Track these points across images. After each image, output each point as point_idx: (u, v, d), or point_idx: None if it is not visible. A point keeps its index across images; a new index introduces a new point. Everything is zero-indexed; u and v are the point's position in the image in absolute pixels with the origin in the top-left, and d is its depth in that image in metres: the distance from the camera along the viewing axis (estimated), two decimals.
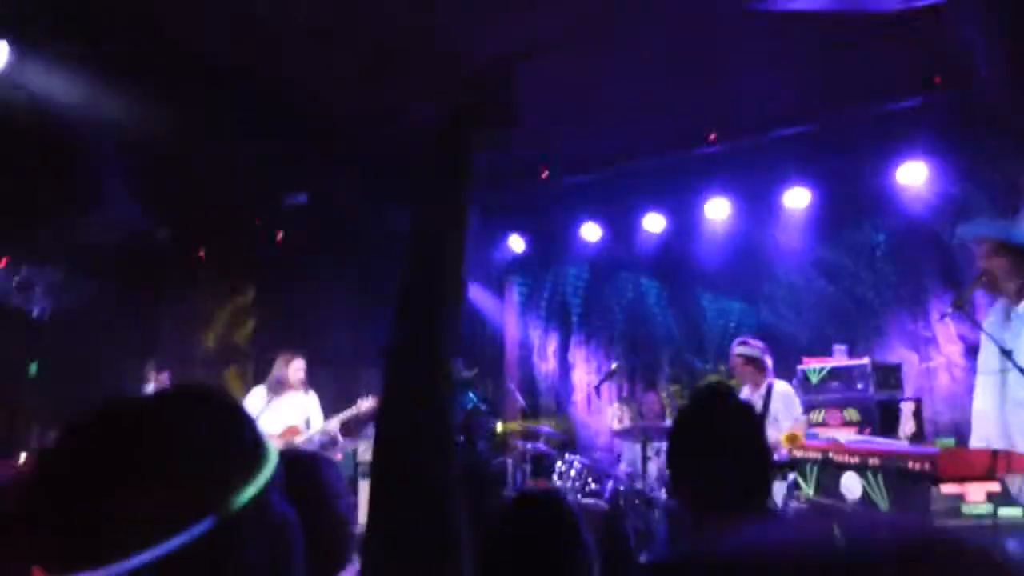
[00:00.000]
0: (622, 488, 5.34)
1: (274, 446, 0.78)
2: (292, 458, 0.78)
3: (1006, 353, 2.89)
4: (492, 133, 1.04)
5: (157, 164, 5.37)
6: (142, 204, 5.73)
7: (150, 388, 6.26)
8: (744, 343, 5.06)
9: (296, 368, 5.67)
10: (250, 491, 0.70)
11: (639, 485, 5.18)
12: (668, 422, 5.90)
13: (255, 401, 5.54)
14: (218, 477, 0.69)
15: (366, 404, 5.58)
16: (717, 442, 1.59)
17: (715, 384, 2.48)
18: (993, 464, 2.68)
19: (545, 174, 6.63)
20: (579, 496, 5.44)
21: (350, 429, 6.05)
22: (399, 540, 0.87)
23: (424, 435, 0.90)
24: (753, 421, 1.69)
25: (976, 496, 2.62)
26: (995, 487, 2.63)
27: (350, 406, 5.69)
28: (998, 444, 3.00)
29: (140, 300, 8.08)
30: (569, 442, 7.17)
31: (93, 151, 4.83)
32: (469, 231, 0.98)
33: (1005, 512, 2.58)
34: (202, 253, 8.37)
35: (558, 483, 5.55)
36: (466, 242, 0.98)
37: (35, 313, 5.98)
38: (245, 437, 0.74)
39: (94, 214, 5.57)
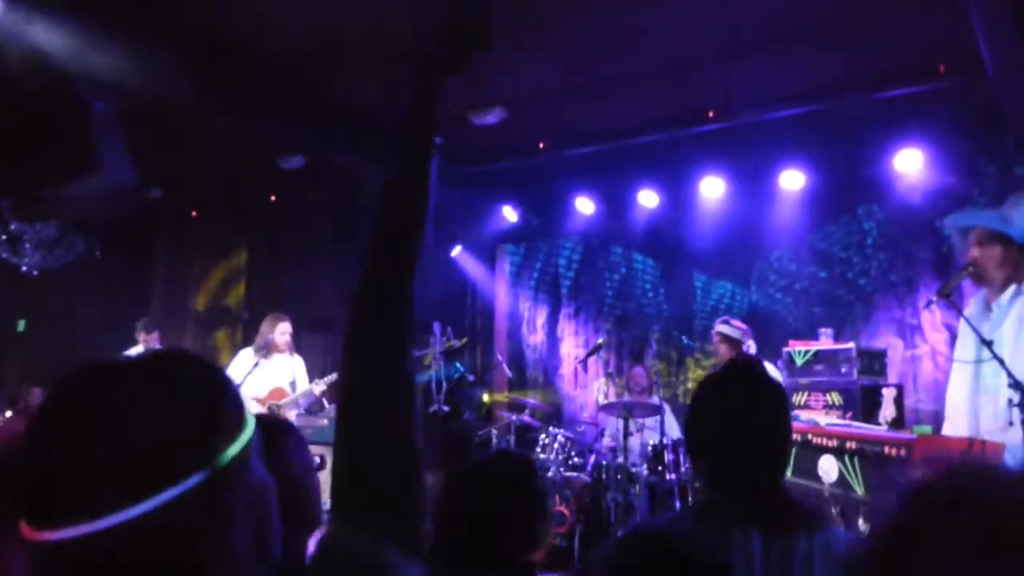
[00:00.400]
0: (604, 462, 5.40)
1: (251, 413, 0.79)
2: (264, 424, 0.80)
3: (986, 342, 2.90)
4: (466, 52, 1.10)
5: (152, 123, 5.31)
6: (136, 163, 5.68)
7: (139, 348, 6.27)
8: (726, 322, 5.06)
9: (282, 330, 5.68)
10: (234, 450, 0.72)
11: (621, 460, 5.23)
12: (654, 398, 5.94)
13: (243, 363, 5.55)
14: (205, 434, 0.70)
15: None
16: (740, 423, 1.52)
17: (749, 360, 2.42)
18: (968, 452, 2.72)
19: (541, 146, 6.58)
20: (561, 469, 5.50)
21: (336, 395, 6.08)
22: (362, 482, 0.92)
23: (387, 359, 0.97)
24: (783, 406, 1.59)
25: None
26: None
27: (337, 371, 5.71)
28: (966, 434, 3.02)
29: (132, 259, 8.06)
30: (554, 415, 7.22)
31: (88, 107, 4.77)
32: (432, 180, 1.06)
33: None
34: (195, 214, 8.32)
35: (541, 456, 5.60)
36: (430, 188, 1.06)
37: (24, 268, 5.95)
38: (227, 398, 0.75)
39: (87, 171, 5.52)
